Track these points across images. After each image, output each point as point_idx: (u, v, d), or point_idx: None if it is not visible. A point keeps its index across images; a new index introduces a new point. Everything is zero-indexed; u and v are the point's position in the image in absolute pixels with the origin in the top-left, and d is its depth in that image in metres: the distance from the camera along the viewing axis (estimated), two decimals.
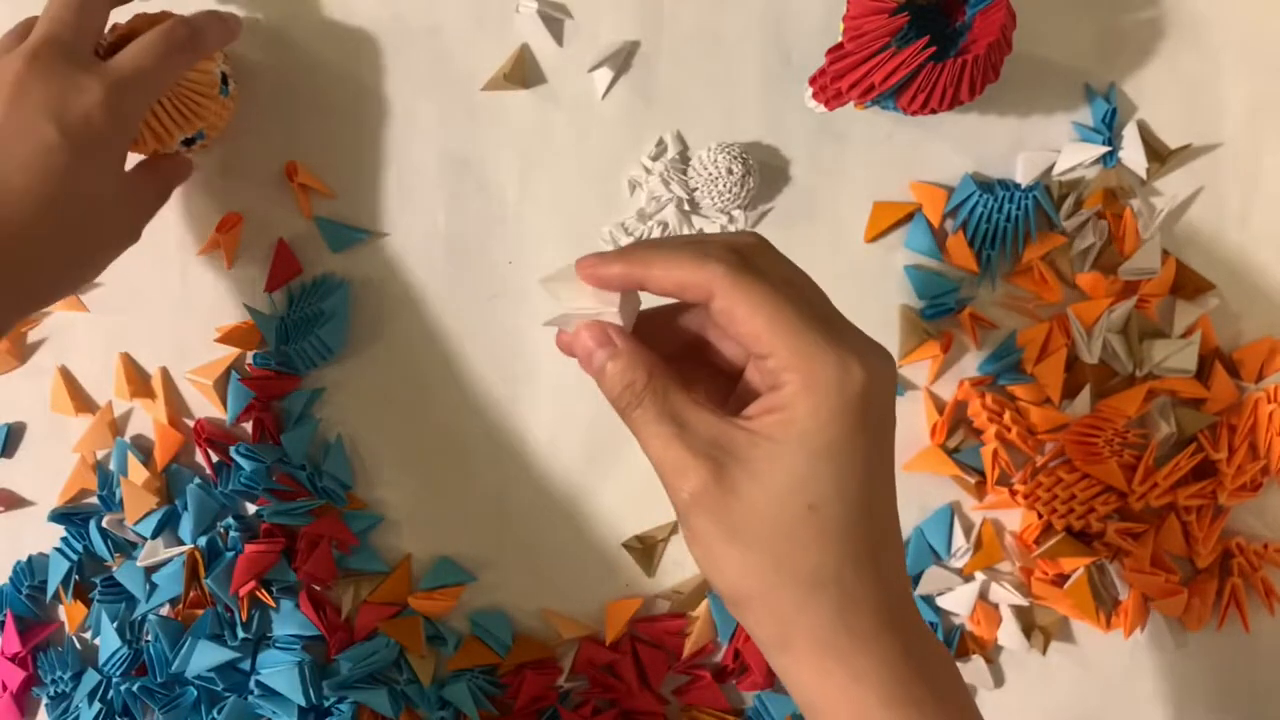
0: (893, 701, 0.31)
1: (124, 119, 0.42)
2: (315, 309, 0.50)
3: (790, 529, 0.30)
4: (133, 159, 0.45)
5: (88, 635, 0.53)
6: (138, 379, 0.52)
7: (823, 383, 0.30)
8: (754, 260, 0.32)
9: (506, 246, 0.51)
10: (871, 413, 0.30)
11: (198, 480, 0.52)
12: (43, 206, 0.40)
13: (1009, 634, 0.50)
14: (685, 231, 0.51)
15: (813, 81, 0.49)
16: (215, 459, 0.51)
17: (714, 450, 0.31)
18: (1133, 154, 0.50)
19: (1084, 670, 0.51)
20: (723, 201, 0.49)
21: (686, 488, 0.31)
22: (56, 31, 0.42)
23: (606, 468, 0.51)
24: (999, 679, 0.52)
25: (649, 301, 0.35)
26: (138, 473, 0.51)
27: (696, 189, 0.50)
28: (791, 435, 0.30)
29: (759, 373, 0.33)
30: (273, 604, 0.51)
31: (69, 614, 0.53)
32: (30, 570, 0.53)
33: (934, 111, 0.45)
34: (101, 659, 0.52)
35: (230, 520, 0.52)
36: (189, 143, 0.48)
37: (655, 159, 0.51)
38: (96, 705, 0.51)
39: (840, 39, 0.46)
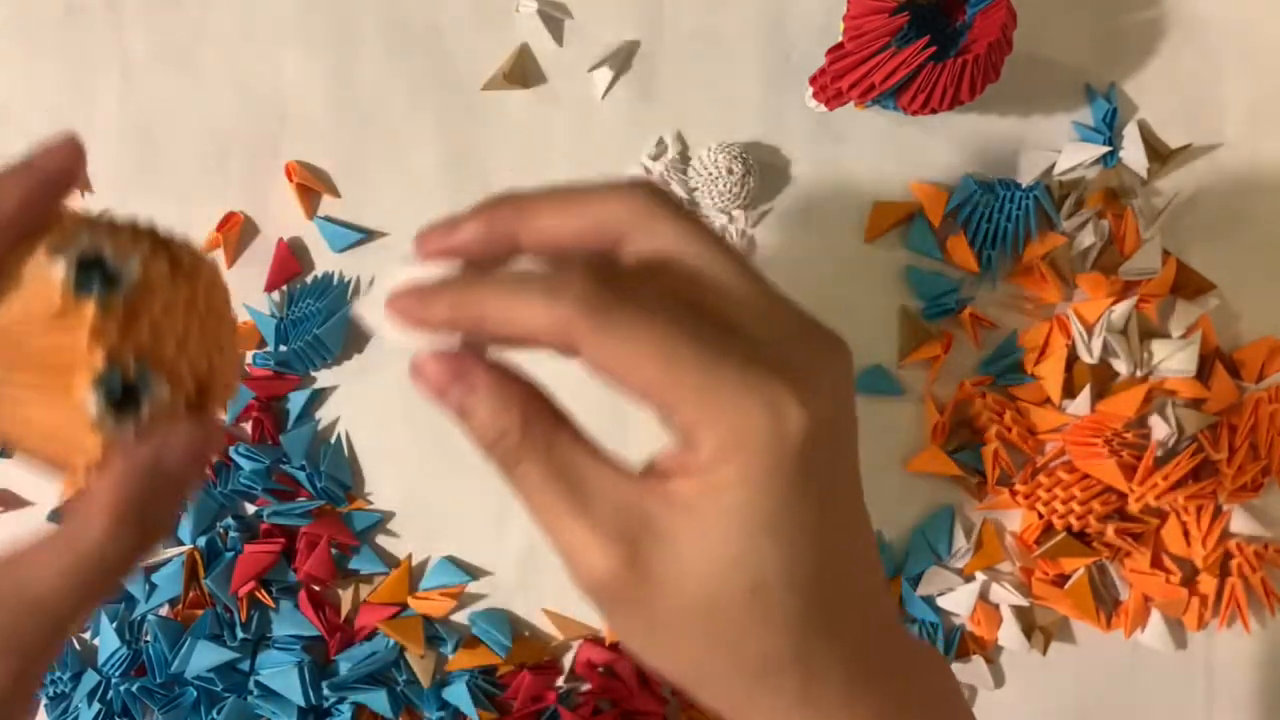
0: None
1: None
2: (315, 309, 0.50)
3: (731, 615, 0.24)
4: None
5: (87, 635, 0.53)
6: None
7: (749, 439, 0.23)
8: (626, 275, 0.24)
9: None
10: (820, 456, 0.23)
11: None
12: None
13: (1009, 634, 0.50)
14: None
15: (813, 81, 0.49)
16: (214, 459, 0.51)
17: (623, 524, 0.24)
18: (1133, 154, 0.50)
19: (1084, 670, 0.51)
20: (723, 201, 0.49)
21: (591, 575, 0.24)
22: None
23: None
24: (999, 679, 0.51)
25: None
26: None
27: (696, 189, 0.50)
28: (719, 507, 0.23)
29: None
30: (272, 604, 0.51)
31: None
32: None
33: (934, 111, 0.45)
34: (101, 659, 0.52)
35: (230, 520, 0.51)
36: (125, 409, 0.24)
37: (655, 158, 0.51)
38: (96, 706, 0.51)
39: (840, 39, 0.46)
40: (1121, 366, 0.50)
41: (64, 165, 0.26)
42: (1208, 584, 0.50)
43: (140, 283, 0.24)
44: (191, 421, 0.25)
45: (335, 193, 0.52)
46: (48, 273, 0.23)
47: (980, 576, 0.51)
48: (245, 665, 0.51)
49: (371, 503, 0.52)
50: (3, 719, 0.24)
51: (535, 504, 0.25)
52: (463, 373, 0.25)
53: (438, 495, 0.52)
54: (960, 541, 0.50)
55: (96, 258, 0.24)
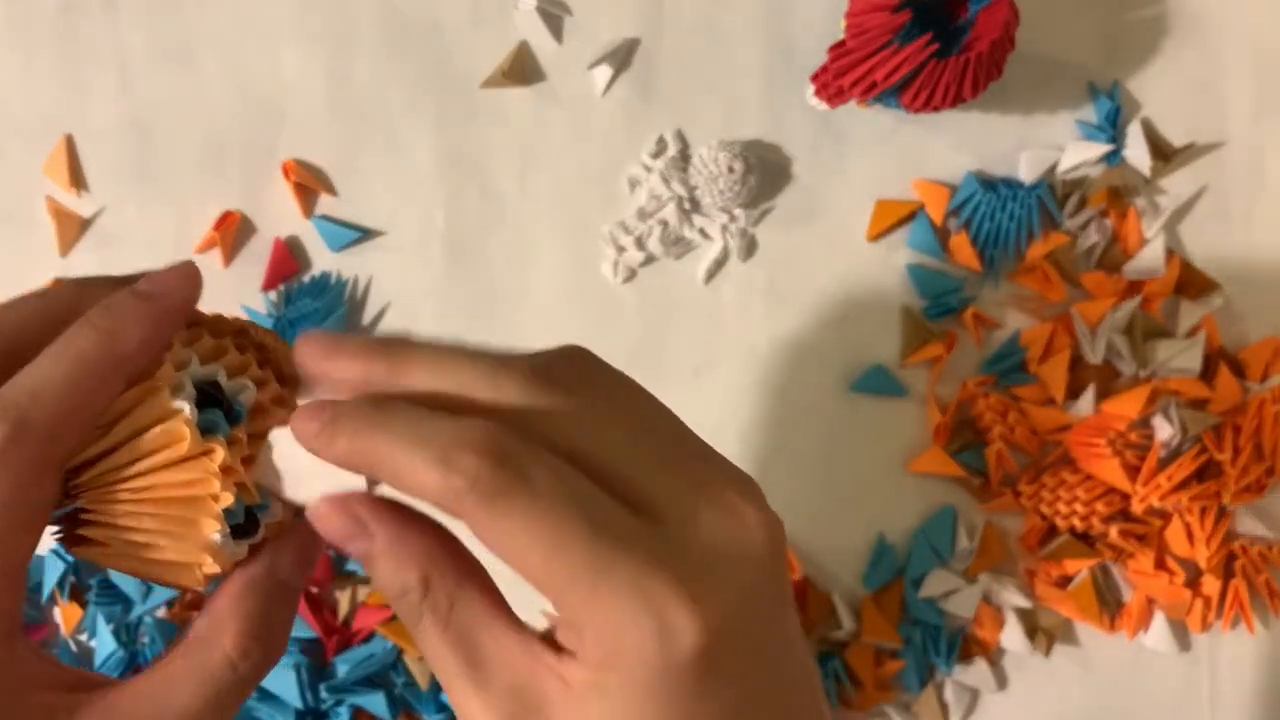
0: None
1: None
2: (312, 308, 0.50)
3: None
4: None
5: (83, 637, 0.53)
6: None
7: (632, 656, 0.21)
8: (525, 449, 0.22)
9: (506, 245, 0.51)
10: (725, 663, 0.21)
11: None
12: None
13: (1012, 636, 0.50)
14: (685, 231, 0.50)
15: (814, 79, 0.49)
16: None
17: (516, 706, 0.23)
18: (1137, 152, 0.50)
19: (1088, 672, 0.51)
20: (723, 200, 0.49)
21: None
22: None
23: None
24: (1002, 681, 0.51)
25: None
26: None
27: (697, 187, 0.49)
28: (603, 711, 0.22)
29: None
30: None
31: (65, 616, 0.52)
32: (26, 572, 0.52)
33: (937, 109, 0.45)
34: (97, 661, 0.51)
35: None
36: (245, 532, 0.25)
37: (655, 157, 0.50)
38: None
39: (842, 36, 0.46)
40: (1125, 367, 0.50)
41: (185, 297, 0.25)
42: (1211, 585, 0.50)
43: (256, 408, 0.25)
44: (298, 531, 0.26)
45: (333, 191, 0.51)
46: (169, 412, 0.24)
47: (983, 578, 0.50)
48: None
49: None
50: None
51: (434, 667, 0.24)
52: (361, 525, 0.24)
53: None
54: (963, 543, 0.50)
55: (213, 386, 0.24)
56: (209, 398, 0.24)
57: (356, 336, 0.24)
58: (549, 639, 0.24)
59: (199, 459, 0.24)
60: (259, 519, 0.25)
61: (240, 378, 0.25)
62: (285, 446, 0.24)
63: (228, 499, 0.24)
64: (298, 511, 0.26)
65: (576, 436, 0.23)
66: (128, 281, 0.25)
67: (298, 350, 0.24)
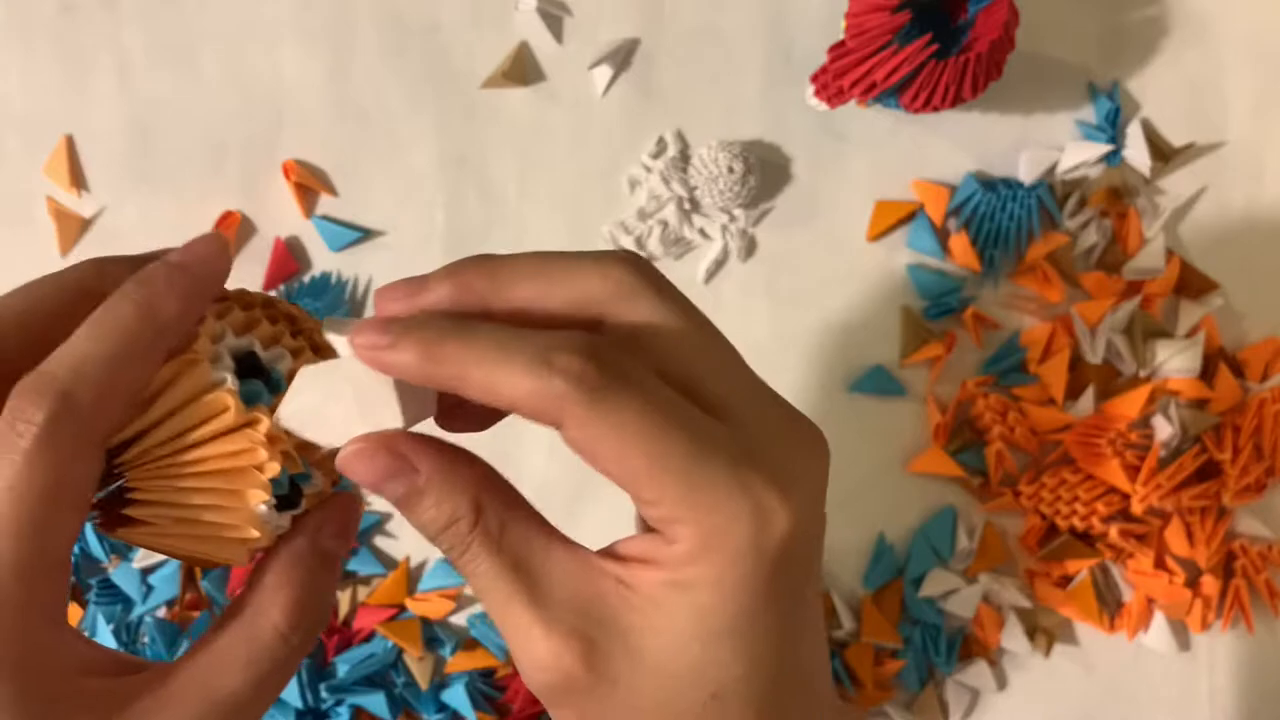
0: None
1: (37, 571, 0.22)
2: (312, 308, 0.50)
3: None
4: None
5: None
6: None
7: (730, 542, 0.22)
8: (618, 354, 0.22)
9: (506, 245, 0.51)
10: (794, 563, 0.22)
11: None
12: None
13: (1012, 636, 0.50)
14: (685, 232, 0.50)
15: (814, 79, 0.49)
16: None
17: (581, 619, 0.22)
18: (1136, 153, 0.50)
19: (1087, 672, 0.51)
20: (723, 200, 0.49)
21: (544, 673, 0.22)
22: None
23: None
24: (1002, 681, 0.51)
25: None
26: None
27: (697, 187, 0.50)
28: (686, 607, 0.22)
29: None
30: None
31: None
32: None
33: (936, 109, 0.45)
34: None
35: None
36: (289, 503, 0.25)
37: (655, 157, 0.50)
38: None
39: (842, 36, 0.46)
40: (1125, 367, 0.50)
41: (217, 268, 0.25)
42: (1211, 585, 0.50)
43: (290, 375, 0.24)
44: (338, 500, 0.26)
45: (333, 191, 0.51)
46: (211, 384, 0.23)
47: (983, 578, 0.50)
48: None
49: (369, 503, 0.52)
50: None
51: (486, 595, 0.23)
52: (405, 462, 0.23)
53: None
54: (963, 543, 0.50)
55: (250, 356, 0.24)
56: (247, 368, 0.24)
57: (434, 273, 0.24)
58: (607, 554, 0.23)
59: (244, 429, 0.23)
60: (302, 489, 0.25)
61: (275, 347, 0.25)
62: (314, 387, 0.23)
63: (274, 468, 0.23)
64: (335, 480, 0.25)
65: (656, 344, 0.23)
66: (145, 261, 0.25)
67: (379, 300, 0.24)
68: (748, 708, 0.23)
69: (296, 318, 0.26)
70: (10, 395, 0.22)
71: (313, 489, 0.25)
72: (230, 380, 0.23)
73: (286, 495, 0.24)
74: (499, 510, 0.23)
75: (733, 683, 0.22)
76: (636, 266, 0.24)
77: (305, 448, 0.25)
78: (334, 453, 0.24)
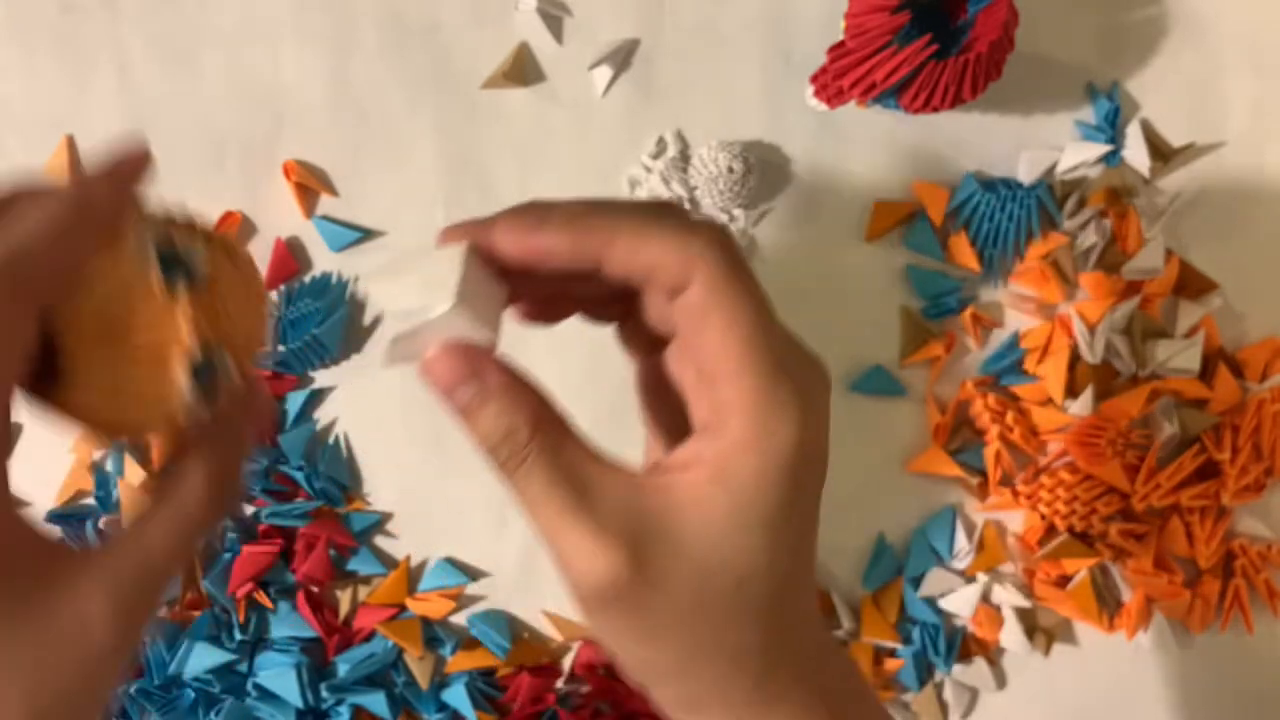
0: None
1: None
2: (313, 308, 0.50)
3: (714, 607, 0.25)
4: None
5: None
6: None
7: (777, 443, 0.24)
8: (739, 253, 0.26)
9: None
10: (817, 475, 0.26)
11: None
12: None
13: (1011, 636, 0.50)
14: None
15: (814, 80, 0.49)
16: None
17: (628, 525, 0.24)
18: (1136, 153, 0.50)
19: (1087, 672, 0.51)
20: (723, 200, 0.49)
21: (593, 579, 0.24)
22: None
23: None
24: (1001, 681, 0.51)
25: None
26: (135, 474, 0.51)
27: (697, 187, 0.50)
28: (725, 500, 0.24)
29: (694, 386, 0.26)
30: (270, 606, 0.51)
31: None
32: None
33: (936, 110, 0.45)
34: None
35: (227, 521, 0.51)
36: (207, 381, 0.27)
37: (655, 157, 0.50)
38: None
39: (842, 37, 0.46)
40: (1124, 367, 0.50)
41: (137, 164, 0.28)
42: (1211, 585, 0.50)
43: (209, 272, 0.27)
44: (252, 393, 0.29)
45: (333, 192, 0.51)
46: (140, 265, 0.26)
47: (982, 578, 0.51)
48: (243, 667, 0.51)
49: (370, 503, 0.52)
50: (114, 666, 0.25)
51: (538, 507, 0.25)
52: (476, 369, 0.25)
53: (437, 496, 0.51)
54: (962, 542, 0.50)
55: (172, 250, 0.27)
56: (167, 263, 0.27)
57: (558, 209, 0.25)
58: (652, 469, 0.26)
59: (168, 308, 0.26)
60: (217, 375, 0.27)
61: (192, 246, 0.27)
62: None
63: (193, 346, 0.26)
64: (246, 372, 0.28)
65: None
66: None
67: (498, 232, 0.26)
68: (767, 592, 0.25)
69: (210, 233, 0.29)
70: None
71: (225, 374, 0.27)
72: (155, 263, 0.26)
73: (204, 373, 0.27)
74: (555, 427, 0.25)
75: (758, 570, 0.25)
76: (723, 243, 0.26)
77: (220, 333, 0.27)
78: (247, 342, 0.28)
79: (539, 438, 0.25)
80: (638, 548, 0.24)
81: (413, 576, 0.52)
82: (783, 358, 0.25)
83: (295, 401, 0.51)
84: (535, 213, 0.25)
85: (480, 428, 0.25)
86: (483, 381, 0.25)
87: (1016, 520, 0.51)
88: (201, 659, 0.50)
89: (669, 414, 0.29)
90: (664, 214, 0.25)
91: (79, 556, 0.25)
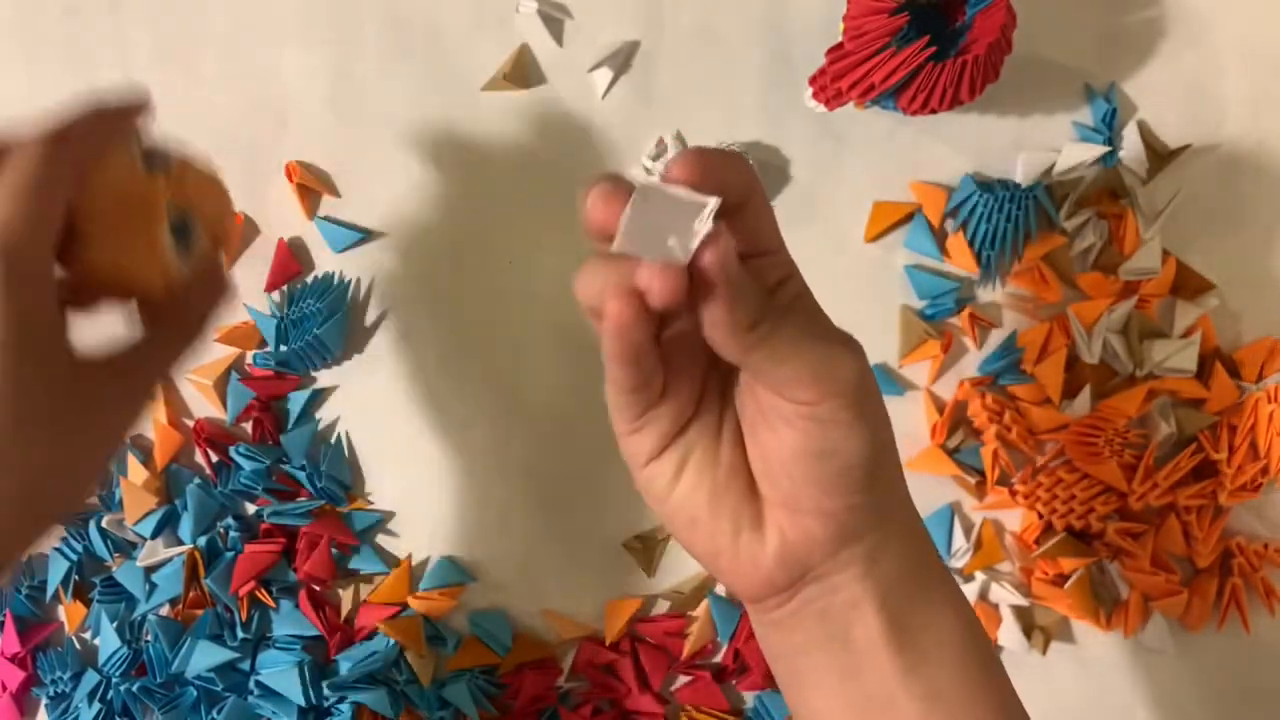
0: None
1: (23, 289, 0.31)
2: (315, 309, 0.50)
3: (863, 400, 0.31)
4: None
5: (87, 635, 0.53)
6: None
7: (841, 380, 0.30)
8: None
9: (508, 247, 0.51)
10: (871, 395, 0.32)
11: (197, 480, 0.52)
12: None
13: (1009, 634, 0.50)
14: None
15: (813, 81, 0.49)
16: (215, 459, 0.51)
17: (841, 341, 0.31)
18: (1133, 154, 0.50)
19: (1084, 670, 0.51)
20: None
21: (862, 354, 0.31)
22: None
23: (607, 467, 0.51)
24: None
25: None
26: (137, 473, 0.51)
27: None
28: (824, 419, 0.30)
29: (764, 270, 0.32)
30: (272, 604, 0.51)
31: (69, 614, 0.53)
32: (30, 570, 0.53)
33: (934, 111, 0.45)
34: (101, 659, 0.52)
35: (230, 520, 0.52)
36: (180, 236, 0.37)
37: (655, 159, 0.51)
38: (96, 705, 0.51)
39: (840, 39, 0.46)
40: (1121, 366, 0.50)
41: (139, 103, 0.37)
42: (1208, 584, 0.50)
43: (179, 165, 0.37)
44: (218, 265, 0.39)
45: (335, 193, 0.52)
46: (130, 159, 0.36)
47: (980, 576, 0.51)
48: (245, 665, 0.51)
49: (372, 503, 0.52)
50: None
51: (800, 343, 0.29)
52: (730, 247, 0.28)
53: (438, 495, 0.52)
54: (960, 541, 0.50)
55: (152, 148, 0.37)
56: (149, 158, 0.37)
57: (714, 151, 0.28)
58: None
59: (152, 186, 0.36)
60: (190, 228, 0.37)
61: (169, 151, 0.37)
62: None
63: (170, 209, 0.36)
64: (218, 242, 0.40)
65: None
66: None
67: (590, 208, 0.28)
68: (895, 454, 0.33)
69: (180, 148, 0.39)
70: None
71: (197, 235, 0.37)
72: (139, 158, 0.36)
73: (180, 231, 0.37)
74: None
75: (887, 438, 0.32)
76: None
77: (190, 204, 0.37)
78: (215, 215, 0.39)
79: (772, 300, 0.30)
80: (859, 349, 0.31)
81: (414, 575, 0.52)
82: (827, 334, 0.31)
83: (297, 401, 0.51)
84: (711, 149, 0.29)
85: (751, 294, 0.28)
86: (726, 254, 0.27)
87: (1014, 519, 0.51)
88: (204, 657, 0.50)
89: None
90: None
91: (118, 359, 0.36)
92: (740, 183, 0.29)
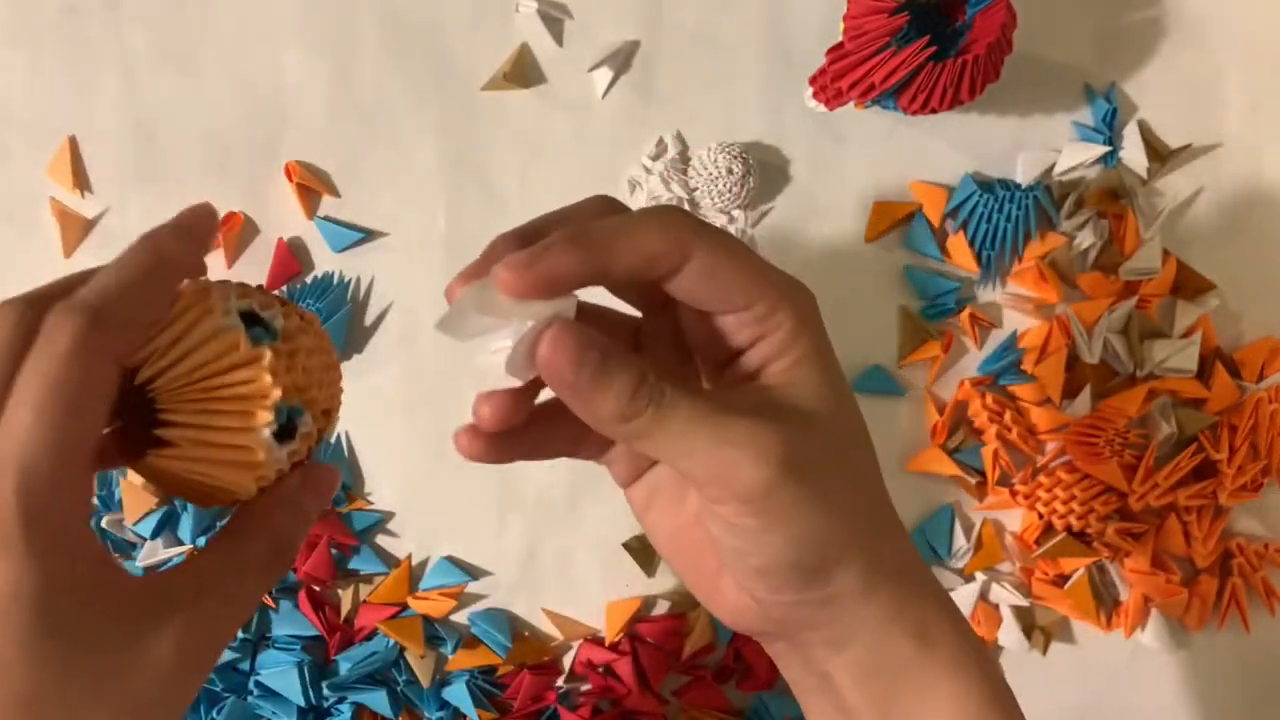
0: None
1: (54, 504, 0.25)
2: (315, 309, 0.50)
3: (837, 423, 0.29)
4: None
5: None
6: None
7: (809, 309, 0.29)
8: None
9: None
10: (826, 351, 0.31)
11: None
12: None
13: (1009, 634, 0.50)
14: None
15: (813, 81, 0.49)
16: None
17: (769, 409, 0.27)
18: (1133, 154, 0.50)
19: (1084, 670, 0.51)
20: (723, 201, 0.49)
21: (775, 458, 0.26)
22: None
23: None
24: None
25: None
26: (136, 474, 0.51)
27: (696, 189, 0.50)
28: (812, 364, 0.28)
29: (727, 332, 0.29)
30: (272, 604, 0.51)
31: None
32: None
33: (934, 111, 0.45)
34: None
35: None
36: (286, 435, 0.29)
37: (655, 159, 0.51)
38: None
39: (840, 38, 0.46)
40: (1121, 366, 0.50)
41: (208, 225, 0.30)
42: (1208, 584, 0.50)
43: (286, 333, 0.29)
44: (318, 470, 0.30)
45: (335, 193, 0.52)
46: (224, 327, 0.28)
47: (980, 576, 0.51)
48: (245, 665, 0.51)
49: (371, 503, 0.52)
50: (183, 695, 0.27)
51: (691, 431, 0.26)
52: (588, 339, 0.26)
53: (438, 495, 0.52)
54: (960, 541, 0.50)
55: (253, 311, 0.29)
56: (250, 322, 0.29)
57: (543, 246, 0.27)
58: (733, 381, 0.29)
59: (252, 362, 0.28)
60: (297, 424, 0.29)
61: (271, 309, 0.29)
62: (468, 303, 0.27)
63: (277, 394, 0.28)
64: (323, 428, 0.30)
65: None
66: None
67: (497, 281, 0.27)
68: (863, 430, 0.31)
69: (285, 300, 0.31)
70: (48, 315, 0.26)
71: (305, 427, 0.29)
72: (240, 324, 0.28)
73: (284, 427, 0.29)
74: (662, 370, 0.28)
75: (845, 385, 0.30)
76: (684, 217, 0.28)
77: (299, 389, 0.29)
78: (325, 395, 0.30)
79: (662, 377, 0.27)
80: (788, 423, 0.27)
81: (414, 575, 0.52)
82: (769, 264, 0.29)
83: None
84: (535, 248, 0.26)
85: (615, 386, 0.26)
86: (595, 352, 0.26)
87: (1014, 519, 0.51)
88: None
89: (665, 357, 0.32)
90: (638, 216, 0.28)
91: (156, 597, 0.27)
92: (631, 263, 0.27)
